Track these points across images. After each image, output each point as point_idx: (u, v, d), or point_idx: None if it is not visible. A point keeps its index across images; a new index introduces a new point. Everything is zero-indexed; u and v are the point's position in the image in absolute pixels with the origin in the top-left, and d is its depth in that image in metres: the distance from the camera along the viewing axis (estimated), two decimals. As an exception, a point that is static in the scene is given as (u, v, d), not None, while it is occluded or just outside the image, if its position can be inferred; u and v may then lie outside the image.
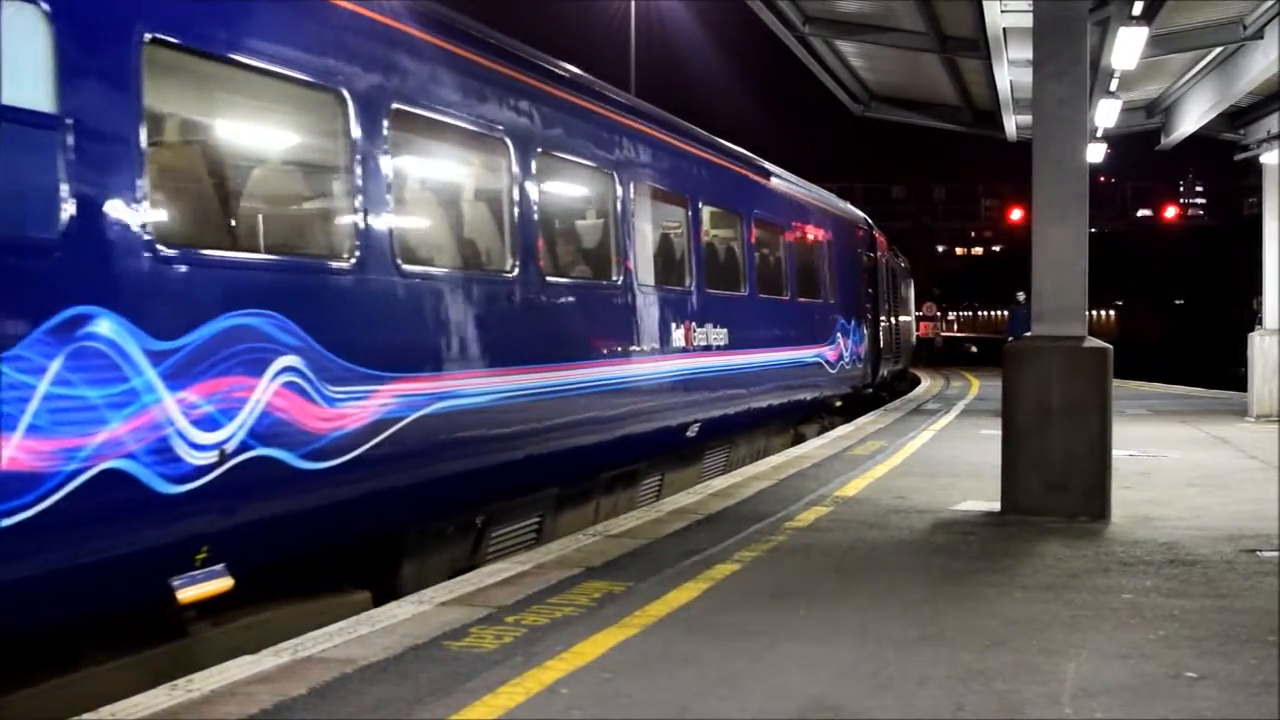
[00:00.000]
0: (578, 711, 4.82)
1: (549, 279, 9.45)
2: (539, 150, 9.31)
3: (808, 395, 18.01)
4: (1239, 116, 21.15)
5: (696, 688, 5.13)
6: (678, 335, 12.00)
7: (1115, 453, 10.03)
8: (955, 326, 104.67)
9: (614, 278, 10.86)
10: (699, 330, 12.60)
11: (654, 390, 11.44)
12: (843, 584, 7.21)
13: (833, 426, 19.18)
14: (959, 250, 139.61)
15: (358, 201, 7.12)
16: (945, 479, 11.85)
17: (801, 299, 17.34)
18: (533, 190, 9.17)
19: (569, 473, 9.92)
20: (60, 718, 5.36)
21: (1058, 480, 9.44)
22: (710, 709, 4.87)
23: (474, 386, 8.14)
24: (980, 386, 30.24)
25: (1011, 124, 20.42)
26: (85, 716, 4.80)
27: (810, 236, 18.50)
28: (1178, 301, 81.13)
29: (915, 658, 5.58)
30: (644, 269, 11.46)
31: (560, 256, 10.28)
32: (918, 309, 48.43)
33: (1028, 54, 11.32)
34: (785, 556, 8.03)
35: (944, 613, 6.47)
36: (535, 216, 9.22)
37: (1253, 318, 21.74)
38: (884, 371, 25.74)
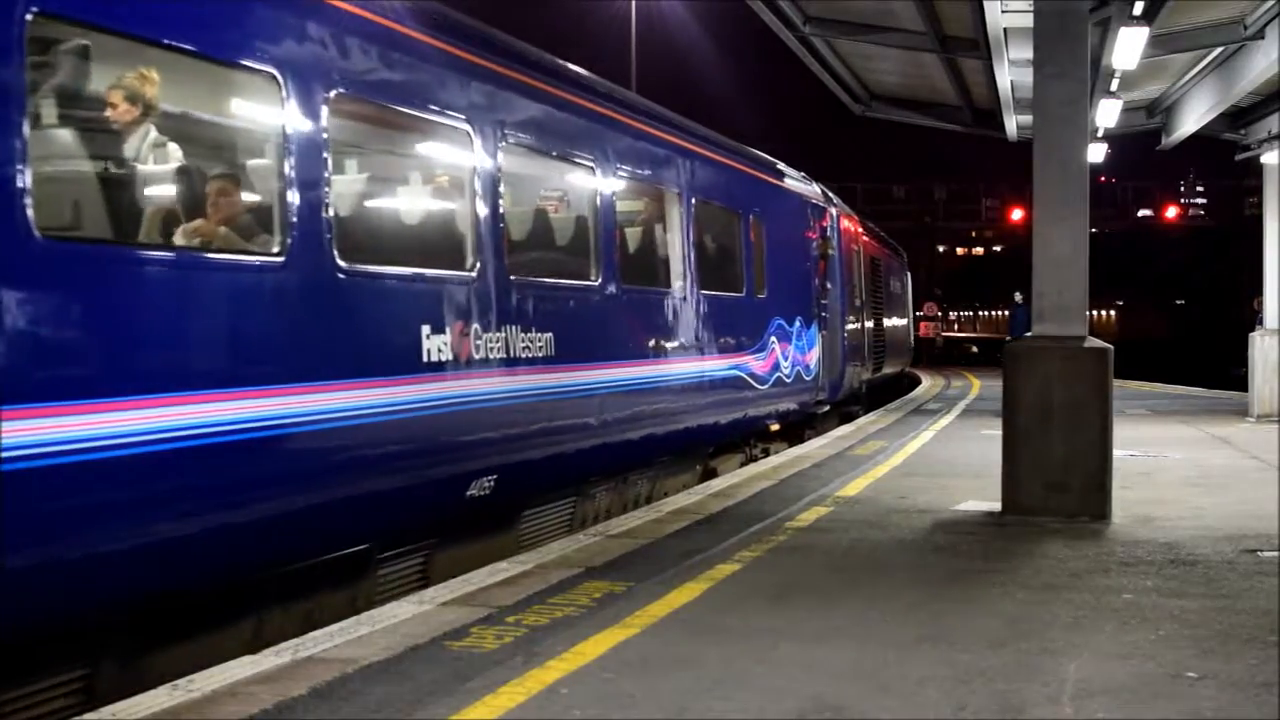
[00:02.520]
0: (578, 711, 4.83)
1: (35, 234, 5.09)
2: None
3: (722, 418, 13.71)
4: (1240, 116, 21.16)
5: (697, 688, 5.13)
6: (436, 346, 7.75)
7: (1116, 453, 10.03)
8: (956, 326, 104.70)
9: (272, 251, 6.54)
10: (490, 337, 8.42)
11: (382, 433, 7.26)
12: (844, 584, 7.22)
13: (766, 454, 15.63)
14: (960, 250, 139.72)
15: None
16: (946, 479, 11.85)
17: (708, 292, 13.15)
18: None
19: (175, 577, 5.97)
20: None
21: (1058, 480, 9.44)
22: (711, 709, 4.87)
23: None
24: (981, 386, 30.24)
25: (1012, 124, 20.43)
26: (86, 716, 4.80)
27: (726, 210, 14.36)
28: (1178, 302, 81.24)
29: (916, 658, 5.58)
30: (355, 241, 7.34)
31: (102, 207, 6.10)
32: (918, 309, 48.32)
33: (1028, 54, 11.33)
34: (786, 556, 8.03)
35: (945, 613, 6.47)
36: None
37: (1253, 318, 21.76)
38: (852, 383, 21.26)
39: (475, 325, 8.30)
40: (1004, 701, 4.96)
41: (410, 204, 8.68)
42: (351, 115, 7.52)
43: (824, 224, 19.04)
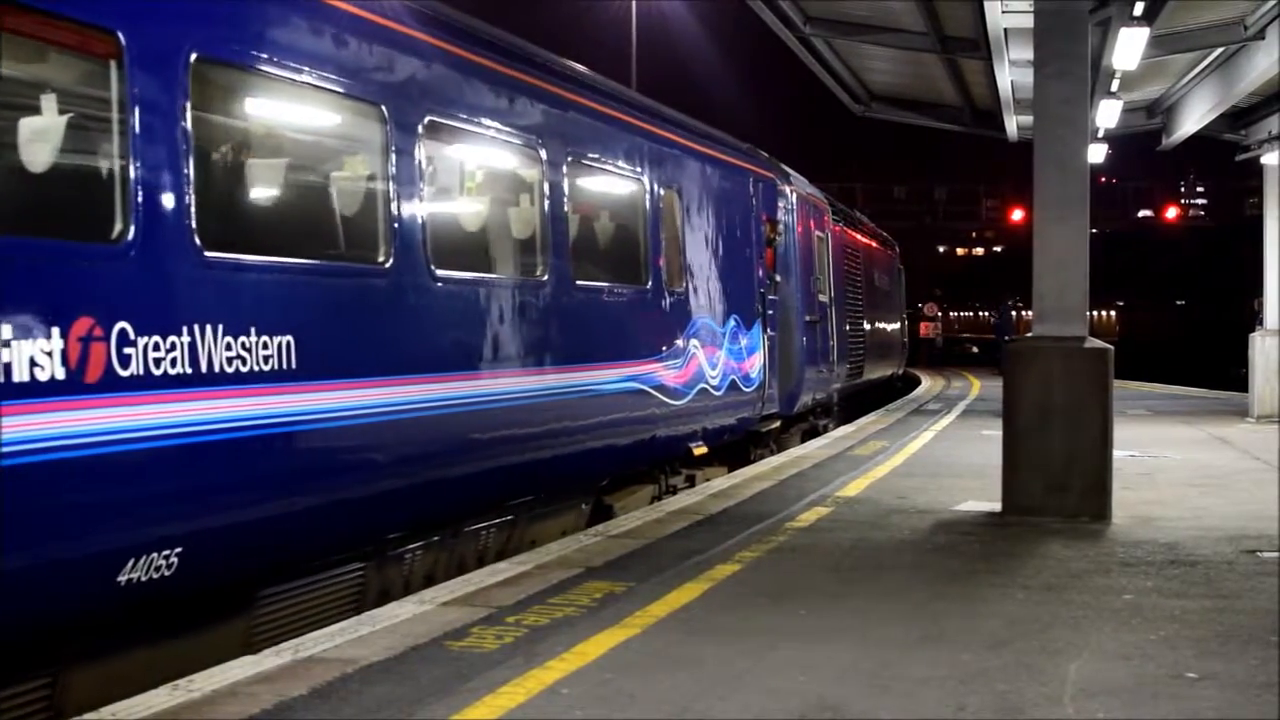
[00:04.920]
0: (579, 711, 4.83)
1: None
2: None
3: (618, 442, 10.96)
4: (1240, 117, 21.17)
5: (697, 688, 5.13)
6: (21, 357, 4.90)
7: (1116, 453, 10.04)
8: (956, 327, 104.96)
9: None
10: (156, 343, 5.62)
11: None
12: (844, 584, 7.22)
13: (691, 484, 12.80)
14: (960, 250, 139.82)
15: None
16: (946, 479, 11.85)
17: (589, 283, 10.48)
18: None
19: None
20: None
21: (1059, 481, 9.45)
22: (711, 709, 4.87)
23: None
24: (981, 387, 30.23)
25: (1012, 124, 20.43)
26: (86, 716, 4.80)
27: (620, 179, 11.43)
28: (1178, 302, 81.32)
29: (916, 658, 5.58)
30: None
31: None
32: (920, 309, 48.28)
33: (1029, 54, 11.34)
34: (786, 557, 8.04)
35: (945, 613, 6.47)
36: None
37: (1253, 318, 21.77)
38: (815, 394, 18.30)
39: (124, 325, 5.47)
40: (1004, 702, 4.96)
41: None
42: None
43: (775, 204, 16.04)
